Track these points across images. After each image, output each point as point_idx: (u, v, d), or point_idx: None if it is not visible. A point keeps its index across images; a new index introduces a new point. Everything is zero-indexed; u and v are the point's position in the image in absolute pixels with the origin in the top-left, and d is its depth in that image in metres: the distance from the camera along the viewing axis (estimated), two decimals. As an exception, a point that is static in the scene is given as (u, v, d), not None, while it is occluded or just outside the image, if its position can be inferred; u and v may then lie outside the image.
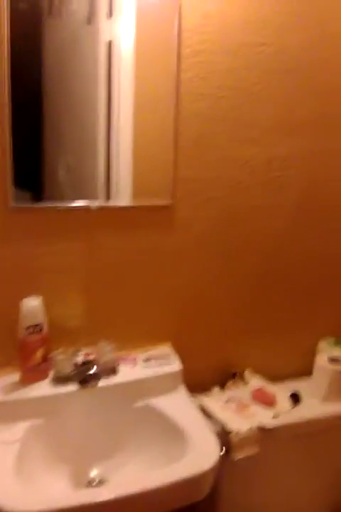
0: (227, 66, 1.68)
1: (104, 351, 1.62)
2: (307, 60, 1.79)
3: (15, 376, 1.57)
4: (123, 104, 1.58)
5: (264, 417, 1.71)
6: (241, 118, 1.75)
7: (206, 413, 1.68)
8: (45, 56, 1.46)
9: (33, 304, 1.53)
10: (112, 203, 1.65)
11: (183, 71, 1.63)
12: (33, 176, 1.55)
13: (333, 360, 1.90)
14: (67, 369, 1.58)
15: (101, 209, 1.63)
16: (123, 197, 1.66)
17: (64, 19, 1.45)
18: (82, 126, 1.58)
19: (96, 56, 1.52)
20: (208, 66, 1.66)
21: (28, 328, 1.52)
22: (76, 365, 1.59)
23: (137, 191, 1.67)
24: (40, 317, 1.55)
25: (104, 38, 1.52)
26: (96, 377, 1.57)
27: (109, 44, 1.52)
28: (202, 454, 1.38)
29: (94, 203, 1.61)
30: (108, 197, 1.64)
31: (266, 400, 1.79)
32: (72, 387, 1.56)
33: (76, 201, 1.59)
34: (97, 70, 1.53)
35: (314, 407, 1.84)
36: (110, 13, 1.50)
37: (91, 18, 1.47)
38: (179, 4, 1.56)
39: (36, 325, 1.54)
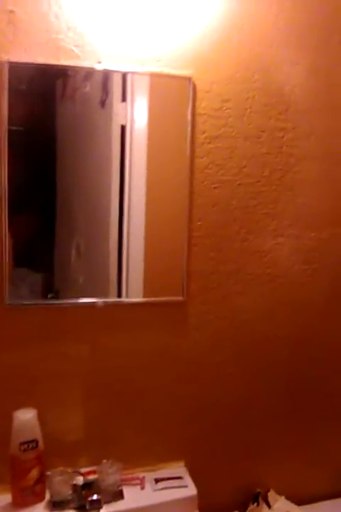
0: (246, 152, 1.59)
1: (107, 472, 1.46)
2: (334, 146, 1.70)
3: (6, 497, 1.42)
4: (135, 190, 1.53)
5: None
6: (262, 207, 1.64)
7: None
8: (58, 138, 1.44)
9: (27, 417, 1.39)
10: (121, 299, 1.54)
11: (198, 157, 1.54)
12: (44, 257, 1.49)
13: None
14: (65, 492, 1.43)
15: (107, 306, 1.51)
16: (132, 291, 1.56)
17: (77, 102, 1.44)
18: (93, 211, 1.52)
19: (110, 140, 1.50)
20: (226, 152, 1.57)
21: (21, 444, 1.38)
22: (75, 487, 1.44)
23: (147, 286, 1.57)
24: (35, 432, 1.41)
25: (117, 122, 1.49)
26: (99, 503, 1.41)
27: (123, 128, 1.49)
28: None
29: (101, 300, 1.50)
30: (119, 291, 1.54)
31: (294, 529, 1.58)
32: None
33: (81, 298, 1.49)
34: (110, 153, 1.50)
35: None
36: (123, 98, 1.47)
37: (104, 102, 1.45)
38: (192, 89, 1.50)
39: (31, 441, 1.39)
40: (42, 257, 1.48)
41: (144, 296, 1.56)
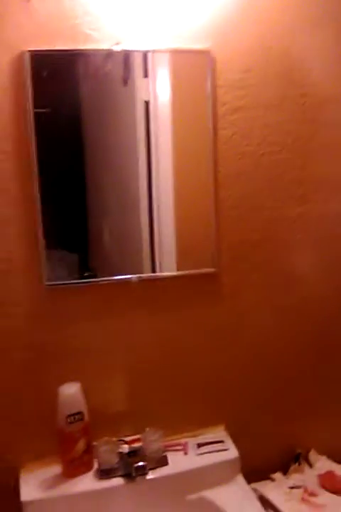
0: (268, 121, 1.59)
1: (151, 439, 1.49)
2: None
3: (56, 468, 1.48)
4: (162, 165, 1.54)
5: (336, 507, 1.52)
6: (287, 175, 1.64)
7: (268, 505, 1.52)
8: (83, 118, 1.47)
9: (72, 391, 1.44)
10: (156, 273, 1.57)
11: (221, 129, 1.55)
12: (78, 238, 1.52)
13: None
14: (112, 460, 1.47)
15: (142, 281, 1.53)
16: (166, 266, 1.58)
17: (100, 82, 1.45)
18: (123, 188, 1.55)
19: (134, 116, 1.50)
20: (248, 122, 1.57)
21: (67, 417, 1.43)
22: (121, 455, 1.48)
23: (180, 259, 1.58)
24: (81, 405, 1.45)
25: (140, 98, 1.50)
26: (145, 469, 1.45)
27: (146, 104, 1.50)
28: None
29: (135, 276, 1.52)
30: (153, 267, 1.57)
31: (336, 486, 1.60)
32: (118, 481, 1.45)
33: (117, 275, 1.52)
34: (136, 130, 1.51)
35: None
36: (145, 74, 1.48)
37: (127, 79, 1.46)
38: (212, 62, 1.50)
39: (77, 413, 1.44)
40: (76, 237, 1.51)
41: (178, 270, 1.57)
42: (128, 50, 1.43)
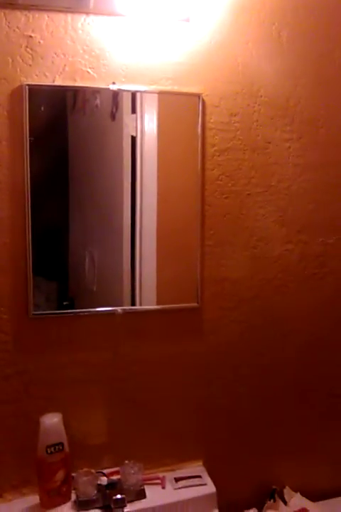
0: (254, 163, 1.64)
1: (129, 472, 1.50)
2: (337, 154, 1.74)
3: (34, 498, 1.47)
4: (146, 199, 1.56)
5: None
6: (271, 215, 1.69)
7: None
8: (70, 149, 1.49)
9: (53, 422, 1.44)
10: (137, 306, 1.58)
11: (209, 169, 1.60)
12: (59, 266, 1.53)
13: None
14: (91, 492, 1.47)
15: (126, 314, 1.55)
16: (146, 299, 1.60)
17: (88, 115, 1.48)
18: (106, 219, 1.56)
19: (121, 150, 1.53)
20: (235, 164, 1.62)
21: (48, 447, 1.42)
22: (100, 487, 1.48)
23: (161, 293, 1.60)
24: (61, 435, 1.45)
25: (127, 133, 1.53)
26: (123, 501, 1.45)
27: (133, 139, 1.53)
28: None
29: (120, 308, 1.54)
30: (133, 299, 1.58)
31: (310, 524, 1.61)
32: None
33: (96, 305, 1.53)
34: (122, 163, 1.53)
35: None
36: (133, 110, 1.51)
37: (115, 114, 1.49)
38: (202, 105, 1.55)
39: (57, 444, 1.43)
40: (57, 265, 1.52)
41: (158, 304, 1.59)
42: (122, 90, 1.47)
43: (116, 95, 1.48)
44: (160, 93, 1.52)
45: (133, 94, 1.50)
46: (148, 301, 1.60)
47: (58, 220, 1.51)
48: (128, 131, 1.52)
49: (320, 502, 1.76)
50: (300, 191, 1.71)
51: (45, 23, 1.39)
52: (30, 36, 1.38)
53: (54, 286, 1.51)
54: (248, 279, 1.69)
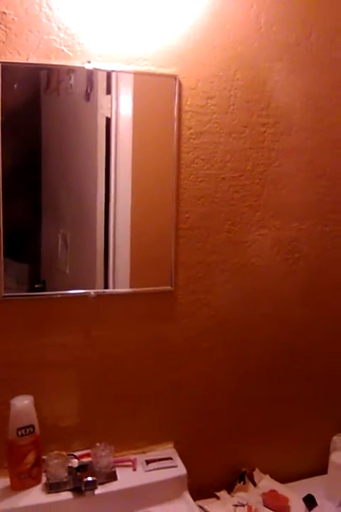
0: (230, 147, 1.64)
1: (101, 454, 1.50)
2: (314, 140, 1.75)
3: (4, 481, 1.45)
4: (121, 182, 1.55)
5: (278, 525, 1.56)
6: (245, 200, 1.69)
7: (213, 522, 1.54)
8: (43, 130, 1.46)
9: (23, 404, 1.42)
10: (111, 289, 1.57)
11: (184, 152, 1.59)
12: (30, 249, 1.51)
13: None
14: (62, 474, 1.46)
15: (99, 296, 1.54)
16: (121, 282, 1.59)
17: (62, 96, 1.45)
18: (80, 201, 1.54)
19: (95, 132, 1.51)
20: (211, 147, 1.61)
21: (18, 429, 1.41)
22: (71, 469, 1.48)
23: (134, 276, 1.60)
24: (32, 417, 1.44)
25: (102, 114, 1.51)
26: (93, 483, 1.44)
27: (108, 121, 1.51)
28: None
29: (92, 291, 1.52)
30: (106, 282, 1.57)
31: (278, 505, 1.64)
32: (67, 495, 1.44)
33: (69, 288, 1.51)
34: (96, 145, 1.52)
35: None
36: (108, 91, 1.49)
37: (89, 94, 1.47)
38: (178, 86, 1.54)
39: (27, 426, 1.43)
40: (29, 247, 1.51)
41: (131, 287, 1.58)
42: (97, 69, 1.45)
43: (90, 75, 1.45)
44: (136, 73, 1.49)
45: (109, 74, 1.47)
46: (121, 284, 1.59)
47: (30, 202, 1.48)
48: (103, 112, 1.50)
49: (289, 483, 1.79)
50: (274, 176, 1.72)
51: (20, 0, 1.35)
52: (4, 13, 1.34)
53: (25, 269, 1.49)
54: (221, 263, 1.69)
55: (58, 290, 1.51)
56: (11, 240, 1.44)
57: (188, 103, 1.56)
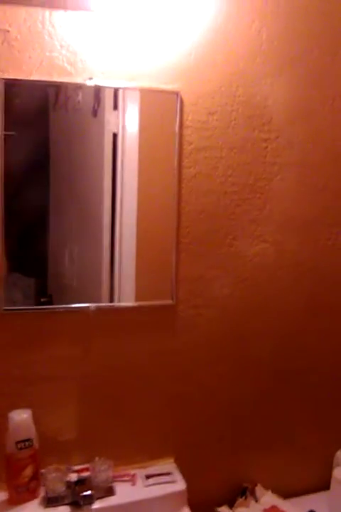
0: (231, 162, 1.64)
1: (99, 469, 1.49)
2: (315, 154, 1.75)
3: (2, 494, 1.45)
4: (127, 196, 1.56)
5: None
6: (247, 214, 1.69)
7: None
8: (51, 145, 1.48)
9: (22, 418, 1.42)
10: (114, 303, 1.58)
11: (186, 168, 1.59)
12: (38, 263, 1.52)
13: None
14: (60, 488, 1.45)
15: (99, 310, 1.54)
16: (123, 296, 1.59)
17: (70, 112, 1.47)
18: (86, 216, 1.56)
19: (102, 147, 1.53)
20: (212, 162, 1.62)
21: (17, 443, 1.41)
22: (69, 484, 1.47)
23: (139, 290, 1.60)
24: (30, 431, 1.44)
25: (109, 130, 1.52)
26: (91, 498, 1.44)
27: (114, 136, 1.52)
28: None
29: (93, 305, 1.53)
30: (111, 296, 1.58)
31: (280, 521, 1.62)
32: (65, 509, 1.43)
33: (74, 302, 1.52)
34: (103, 160, 1.53)
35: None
36: (115, 106, 1.51)
37: (96, 110, 1.49)
38: (180, 102, 1.55)
39: (26, 440, 1.42)
40: (36, 262, 1.51)
41: (136, 301, 1.59)
42: (99, 86, 1.46)
43: (98, 91, 1.47)
44: (142, 90, 1.51)
45: (116, 91, 1.49)
46: (126, 298, 1.59)
47: (37, 217, 1.49)
48: (110, 128, 1.52)
49: (291, 499, 1.77)
50: (276, 191, 1.71)
51: (23, 18, 1.37)
52: (8, 31, 1.36)
53: (32, 283, 1.50)
54: (223, 277, 1.69)
55: (65, 304, 1.52)
56: (19, 254, 1.47)
57: (190, 118, 1.57)
